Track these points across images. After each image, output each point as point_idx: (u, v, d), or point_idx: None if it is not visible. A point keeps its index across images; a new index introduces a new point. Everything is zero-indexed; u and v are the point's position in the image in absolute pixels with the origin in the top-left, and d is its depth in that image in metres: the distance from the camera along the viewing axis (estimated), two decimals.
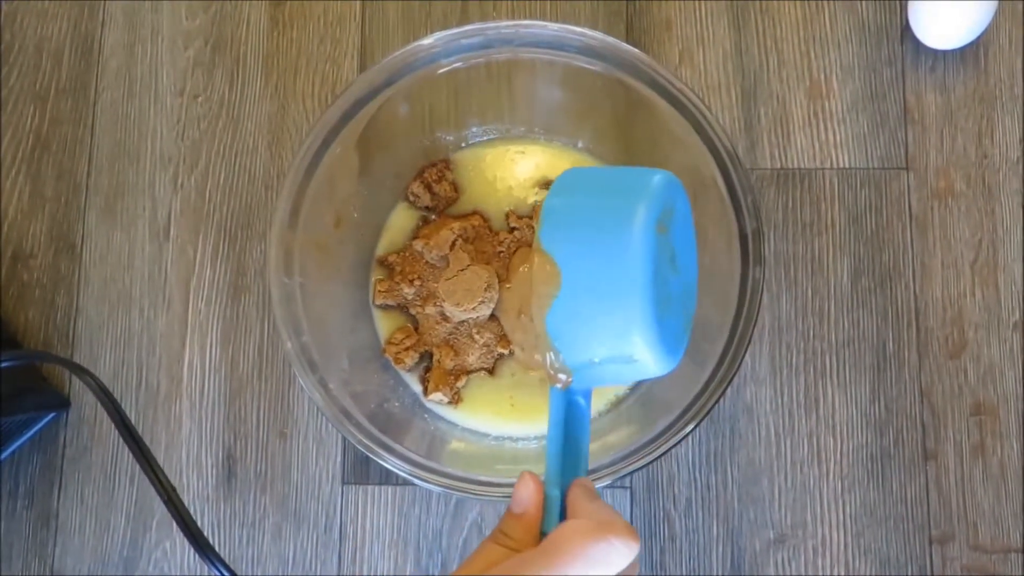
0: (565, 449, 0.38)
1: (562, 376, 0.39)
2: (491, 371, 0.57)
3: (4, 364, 0.47)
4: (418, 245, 0.57)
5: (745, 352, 0.48)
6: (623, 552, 0.31)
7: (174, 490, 0.45)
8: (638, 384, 0.57)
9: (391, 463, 0.48)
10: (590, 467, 0.47)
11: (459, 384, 0.56)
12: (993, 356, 0.60)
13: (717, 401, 0.47)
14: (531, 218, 0.58)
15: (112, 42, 0.66)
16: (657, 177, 0.39)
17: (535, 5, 0.65)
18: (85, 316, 0.62)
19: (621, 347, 0.37)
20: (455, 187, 0.59)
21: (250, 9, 0.66)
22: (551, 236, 0.38)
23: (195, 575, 0.59)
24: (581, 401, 0.39)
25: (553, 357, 0.39)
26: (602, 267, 0.37)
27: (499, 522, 0.36)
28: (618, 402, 0.57)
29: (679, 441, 0.47)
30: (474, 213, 0.59)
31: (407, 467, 0.48)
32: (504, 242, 0.57)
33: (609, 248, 0.37)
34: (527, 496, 0.35)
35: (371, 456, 0.48)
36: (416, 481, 0.48)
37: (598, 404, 0.57)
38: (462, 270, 0.56)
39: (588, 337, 0.38)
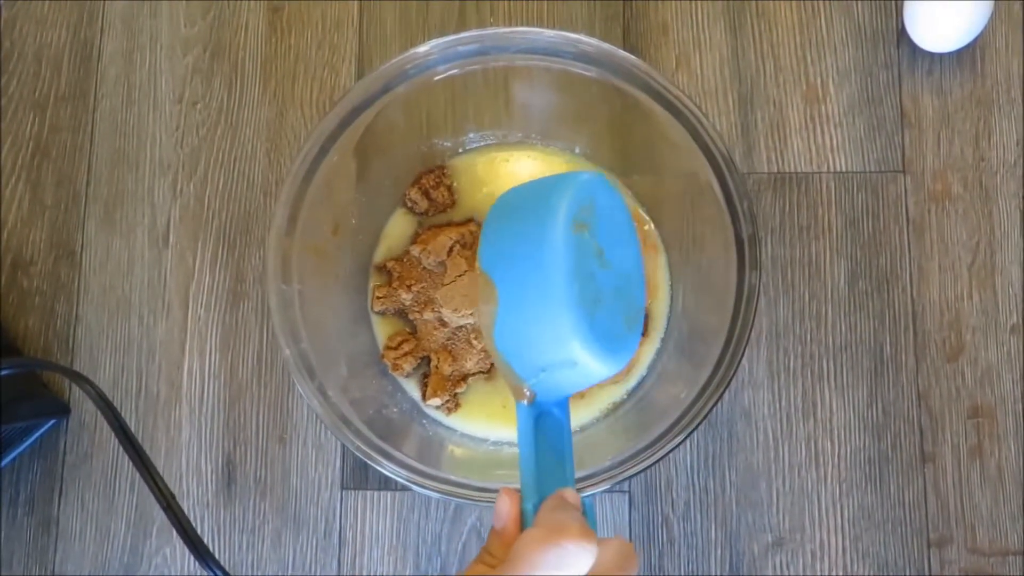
0: (539, 462, 0.38)
1: (525, 391, 0.39)
2: (488, 376, 0.57)
3: (4, 372, 0.47)
4: (416, 251, 0.57)
5: (742, 356, 0.48)
6: (577, 554, 0.31)
7: (173, 497, 0.45)
8: (635, 389, 0.57)
9: (389, 469, 0.48)
10: (589, 472, 0.47)
11: (459, 391, 0.57)
12: (991, 359, 0.60)
13: (715, 405, 0.47)
14: None
15: (111, 49, 0.66)
16: (569, 178, 0.40)
17: (532, 10, 0.65)
18: (85, 323, 0.63)
19: (559, 353, 0.37)
20: (452, 193, 0.59)
21: (248, 15, 0.66)
22: (486, 255, 0.39)
23: None
24: (555, 411, 0.39)
25: (508, 372, 0.39)
26: (527, 277, 0.38)
27: (486, 541, 0.36)
28: (615, 407, 0.57)
29: (677, 445, 0.47)
30: (471, 220, 0.59)
31: (405, 473, 0.48)
32: None
33: (529, 258, 0.38)
34: (504, 512, 0.36)
35: (369, 463, 0.48)
36: (414, 487, 0.48)
37: (593, 411, 0.57)
38: (460, 276, 0.56)
39: (530, 348, 0.38)
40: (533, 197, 0.40)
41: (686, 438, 0.47)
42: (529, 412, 0.39)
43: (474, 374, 0.57)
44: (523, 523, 0.36)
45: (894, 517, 0.59)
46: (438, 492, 0.48)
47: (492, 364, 0.57)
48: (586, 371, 0.38)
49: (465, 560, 0.59)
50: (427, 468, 0.49)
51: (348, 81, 0.65)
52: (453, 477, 0.49)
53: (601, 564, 0.32)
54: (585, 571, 0.32)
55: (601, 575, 0.32)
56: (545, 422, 0.39)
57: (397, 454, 0.49)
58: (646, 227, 0.59)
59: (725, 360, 0.48)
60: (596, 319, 0.37)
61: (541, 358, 0.38)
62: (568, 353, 0.37)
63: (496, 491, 0.47)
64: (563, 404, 0.40)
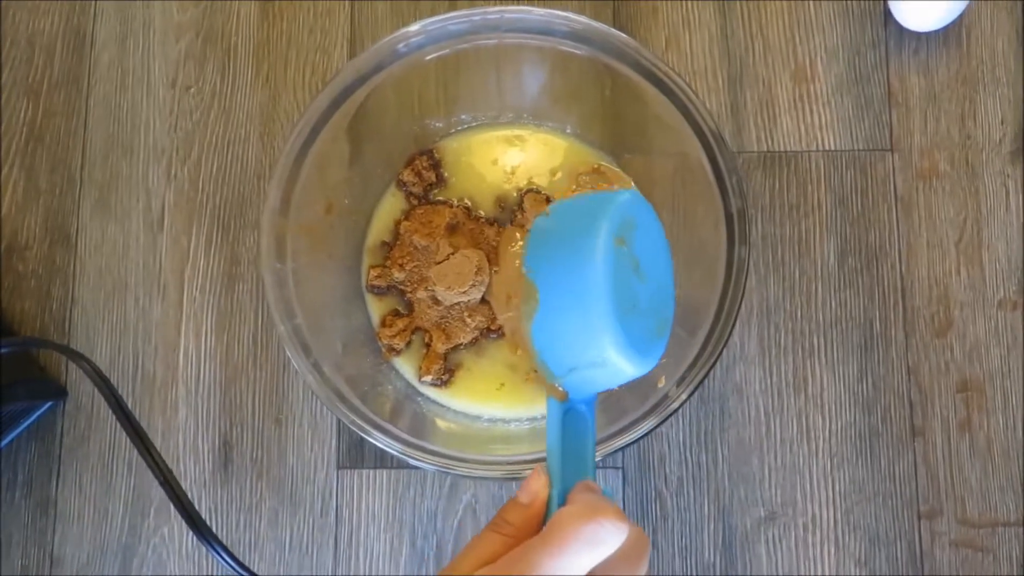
0: (565, 453, 0.40)
1: (558, 388, 0.42)
2: (481, 355, 0.58)
3: (2, 351, 0.48)
4: (408, 230, 0.58)
5: (732, 329, 0.48)
6: (612, 532, 0.34)
7: (170, 471, 0.45)
8: None
9: (384, 443, 0.49)
10: None
11: (451, 375, 0.57)
12: (978, 333, 0.61)
13: (705, 376, 0.48)
14: (520, 206, 0.58)
15: (104, 35, 0.67)
16: (613, 197, 0.43)
17: None
18: (81, 306, 0.63)
19: (594, 353, 0.40)
20: (445, 173, 0.60)
21: (240, 2, 0.67)
22: (531, 260, 0.43)
23: (193, 560, 0.60)
24: (581, 408, 0.42)
25: (542, 368, 0.42)
26: (570, 283, 0.41)
27: (500, 511, 0.38)
28: None
29: (668, 416, 0.48)
30: (463, 199, 0.59)
31: (399, 446, 0.48)
32: (493, 226, 0.58)
33: (574, 266, 0.41)
34: (535, 489, 0.38)
35: (364, 436, 0.49)
36: (409, 460, 0.48)
37: None
38: (452, 254, 0.56)
39: (566, 347, 0.41)
40: (580, 212, 0.44)
41: (677, 409, 0.48)
42: (559, 407, 0.41)
43: (466, 344, 0.57)
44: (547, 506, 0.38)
45: (885, 490, 0.59)
46: (433, 465, 0.48)
47: (486, 343, 0.58)
48: (615, 371, 0.41)
49: (460, 537, 0.59)
50: (421, 442, 0.49)
51: (340, 65, 0.66)
52: (448, 451, 0.49)
53: (622, 550, 0.34)
54: (615, 549, 0.34)
55: (620, 560, 0.34)
56: (572, 417, 0.42)
57: (392, 428, 0.49)
58: None
59: (715, 333, 0.49)
60: (629, 324, 0.40)
61: (574, 357, 0.41)
62: (600, 354, 0.40)
63: (491, 463, 0.48)
64: (591, 402, 0.42)
